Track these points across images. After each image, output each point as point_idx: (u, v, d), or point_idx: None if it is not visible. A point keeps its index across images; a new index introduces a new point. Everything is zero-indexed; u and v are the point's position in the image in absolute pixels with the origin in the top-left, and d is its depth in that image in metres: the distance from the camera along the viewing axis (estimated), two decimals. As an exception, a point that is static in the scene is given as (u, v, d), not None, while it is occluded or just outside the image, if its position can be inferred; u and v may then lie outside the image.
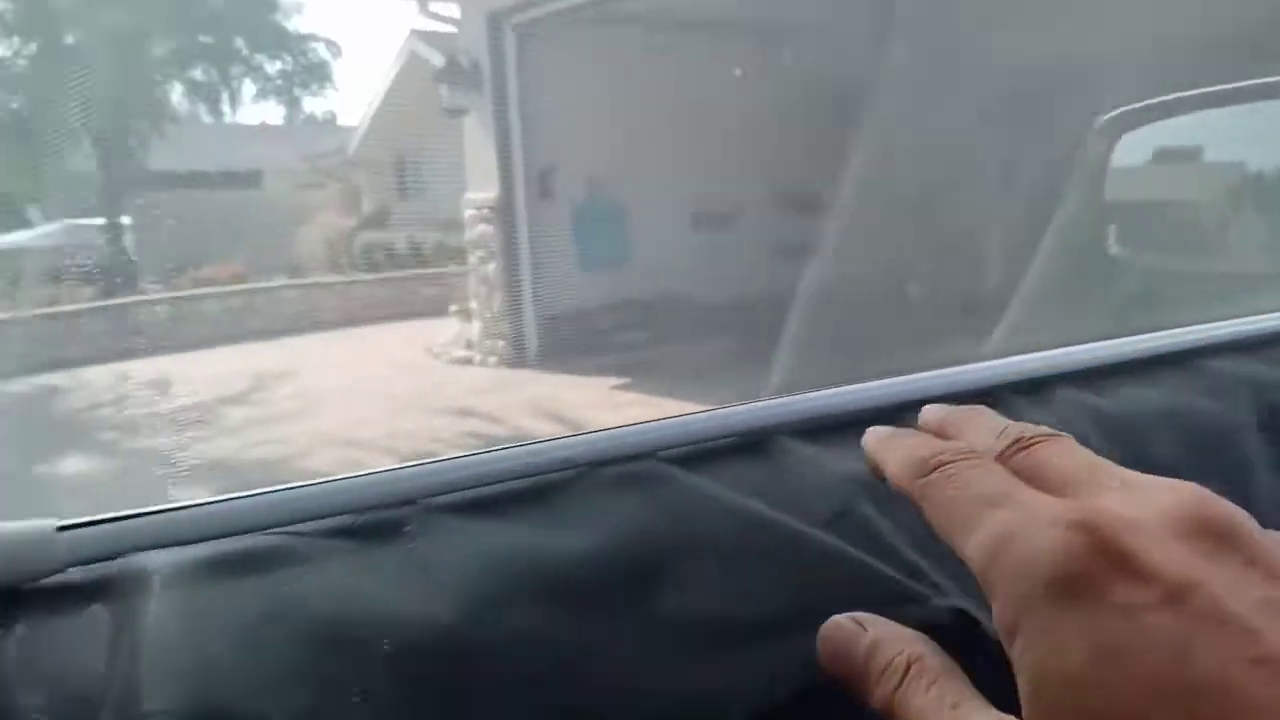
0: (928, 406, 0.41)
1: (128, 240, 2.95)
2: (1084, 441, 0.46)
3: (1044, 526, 0.27)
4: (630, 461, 0.49)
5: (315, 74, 3.75)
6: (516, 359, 2.74)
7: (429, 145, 3.32)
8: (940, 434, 0.39)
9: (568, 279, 3.02)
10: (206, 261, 3.32)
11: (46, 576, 0.41)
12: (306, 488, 0.45)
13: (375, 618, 0.38)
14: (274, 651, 0.34)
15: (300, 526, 0.44)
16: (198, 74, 3.56)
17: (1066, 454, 0.33)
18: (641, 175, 3.09)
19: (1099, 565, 0.25)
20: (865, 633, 0.33)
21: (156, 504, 0.42)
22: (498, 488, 0.49)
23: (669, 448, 0.51)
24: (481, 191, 2.85)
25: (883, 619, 0.33)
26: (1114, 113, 1.08)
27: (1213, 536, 0.26)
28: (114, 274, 2.85)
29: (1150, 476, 0.30)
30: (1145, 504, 0.28)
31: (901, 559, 0.46)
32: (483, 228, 2.82)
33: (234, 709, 0.32)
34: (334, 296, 3.35)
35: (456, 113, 2.90)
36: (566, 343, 2.83)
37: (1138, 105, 1.08)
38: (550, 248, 2.99)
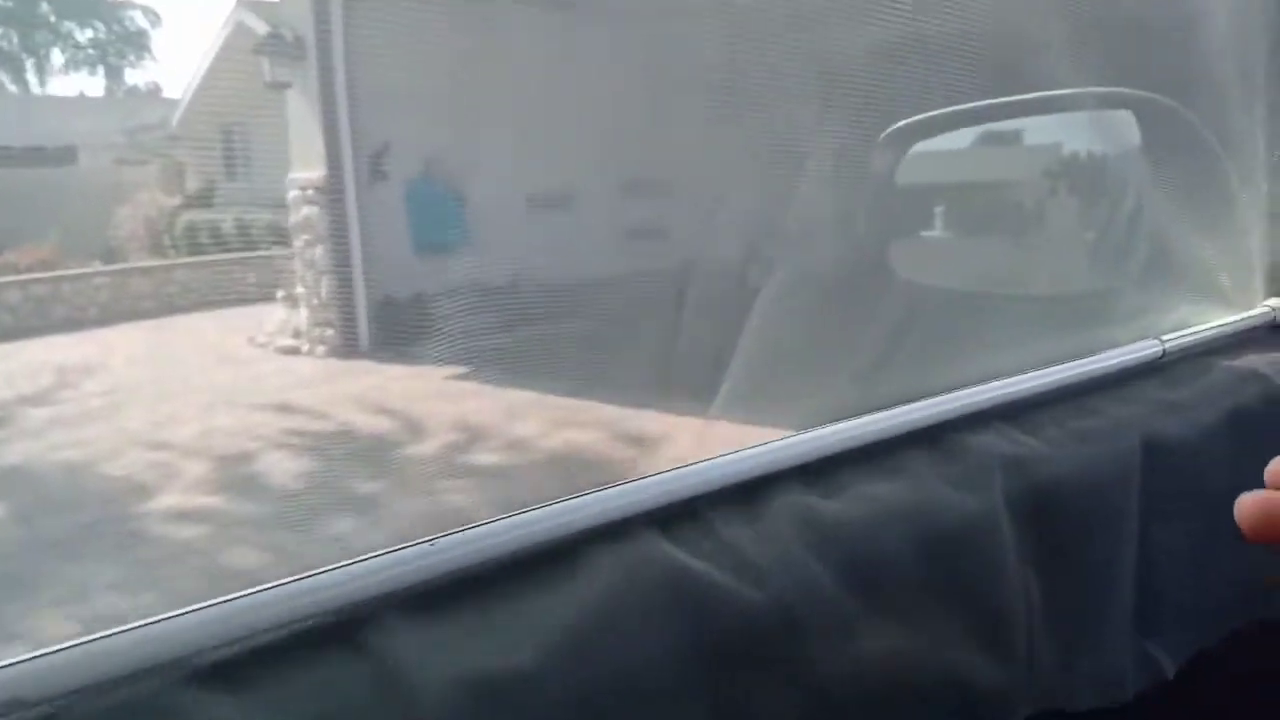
0: None
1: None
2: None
3: None
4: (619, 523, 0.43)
5: (132, 43, 3.51)
6: (348, 348, 2.63)
7: (256, 121, 3.15)
8: None
9: (403, 264, 2.91)
10: (9, 246, 3.08)
11: None
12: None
13: None
14: None
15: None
16: (-4, 39, 3.27)
17: None
18: (481, 156, 2.99)
19: None
20: None
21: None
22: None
23: (658, 506, 0.45)
24: (307, 171, 2.70)
25: None
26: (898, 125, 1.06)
27: None
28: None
29: None
30: None
31: None
32: (308, 209, 2.68)
33: None
34: (152, 282, 3.15)
35: (279, 87, 2.74)
36: (402, 331, 2.74)
37: (920, 118, 1.06)
38: (384, 231, 2.87)
